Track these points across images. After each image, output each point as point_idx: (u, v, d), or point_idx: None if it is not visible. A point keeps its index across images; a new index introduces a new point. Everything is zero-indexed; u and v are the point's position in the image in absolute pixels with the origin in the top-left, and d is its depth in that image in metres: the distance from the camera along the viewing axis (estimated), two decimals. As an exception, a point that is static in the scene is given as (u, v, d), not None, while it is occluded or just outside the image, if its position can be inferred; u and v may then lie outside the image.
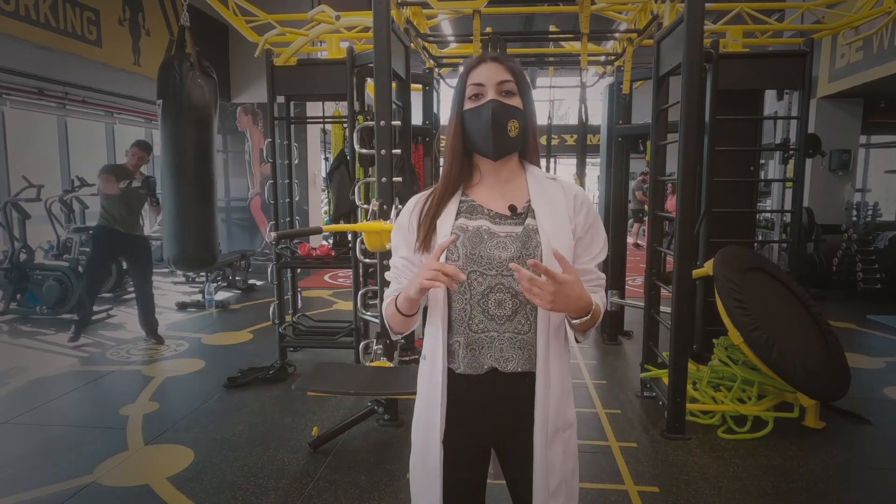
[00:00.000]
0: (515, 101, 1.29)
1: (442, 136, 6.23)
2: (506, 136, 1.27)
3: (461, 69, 1.36)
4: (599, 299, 1.31)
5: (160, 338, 5.14)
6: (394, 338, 1.43)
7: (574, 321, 1.25)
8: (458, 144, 1.33)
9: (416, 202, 1.37)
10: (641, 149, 4.92)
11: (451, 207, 1.32)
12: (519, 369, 1.29)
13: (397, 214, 3.11)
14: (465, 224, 1.30)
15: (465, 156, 1.34)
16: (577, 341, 1.36)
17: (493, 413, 1.33)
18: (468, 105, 1.30)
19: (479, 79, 1.29)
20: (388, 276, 1.42)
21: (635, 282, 7.63)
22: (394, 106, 3.45)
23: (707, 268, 3.52)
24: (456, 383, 1.32)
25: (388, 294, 1.40)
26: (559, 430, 1.31)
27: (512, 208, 1.30)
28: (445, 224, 1.30)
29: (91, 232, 5.46)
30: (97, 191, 5.06)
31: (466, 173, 1.35)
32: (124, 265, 6.31)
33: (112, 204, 4.91)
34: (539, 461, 1.29)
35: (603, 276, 1.36)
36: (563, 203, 1.30)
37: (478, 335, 1.29)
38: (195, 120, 3.64)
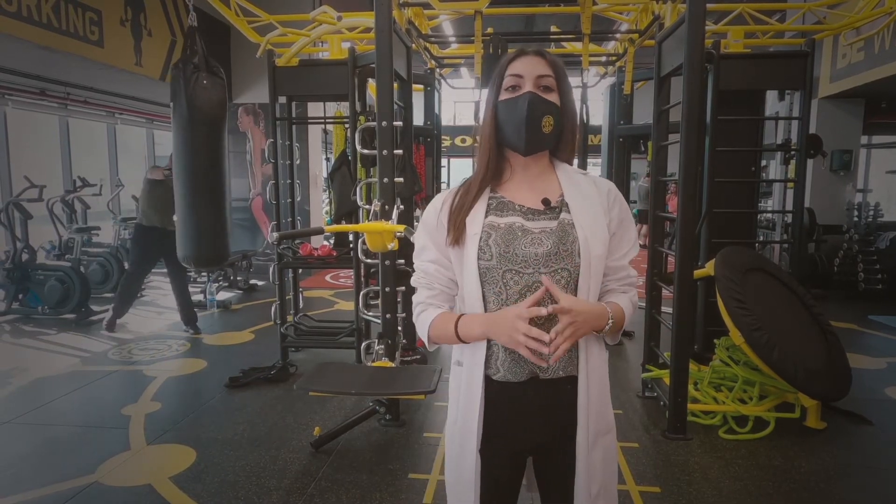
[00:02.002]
0: (553, 97, 1.24)
1: (444, 137, 6.23)
2: (539, 132, 1.22)
3: (500, 63, 1.30)
4: (628, 300, 1.29)
5: (197, 328, 5.40)
6: (431, 348, 1.38)
7: (600, 333, 1.24)
8: (492, 138, 1.27)
9: (443, 199, 1.32)
10: (642, 149, 4.93)
11: (480, 205, 1.26)
12: (561, 374, 1.25)
13: (399, 214, 3.13)
14: (495, 222, 1.24)
15: (497, 150, 1.29)
16: (607, 343, 1.33)
17: (532, 420, 1.28)
18: (504, 96, 1.25)
19: (518, 70, 1.24)
20: (415, 280, 1.35)
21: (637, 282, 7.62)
22: (395, 106, 3.46)
23: (708, 268, 3.53)
24: (493, 391, 1.27)
25: (423, 303, 1.33)
26: (600, 435, 1.28)
27: (546, 202, 1.25)
28: (475, 223, 1.24)
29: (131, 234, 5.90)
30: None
31: (497, 169, 1.30)
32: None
33: (143, 200, 5.30)
34: (581, 467, 1.26)
35: (635, 273, 1.33)
36: (596, 197, 1.26)
37: None
38: (204, 121, 3.66)
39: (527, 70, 1.23)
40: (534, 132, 1.22)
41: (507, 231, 1.22)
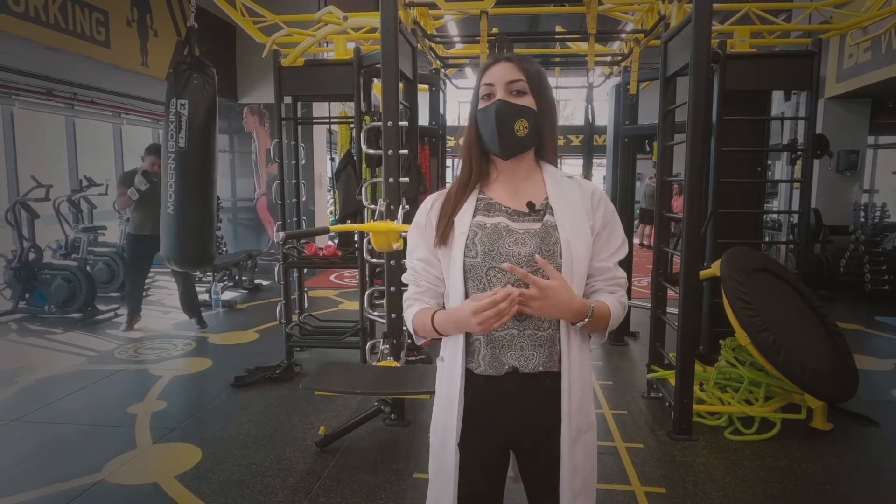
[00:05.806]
0: (526, 101, 1.28)
1: (449, 137, 6.25)
2: (513, 136, 1.27)
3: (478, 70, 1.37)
4: (616, 299, 1.31)
5: (204, 322, 5.49)
6: (419, 342, 1.43)
7: (574, 325, 1.25)
8: (474, 143, 1.33)
9: (433, 200, 1.37)
10: (648, 149, 4.91)
11: (469, 205, 1.31)
12: (540, 369, 1.28)
13: (404, 214, 3.13)
14: (482, 221, 1.29)
15: (482, 154, 1.34)
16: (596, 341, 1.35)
17: (513, 414, 1.31)
18: (481, 105, 1.31)
19: (490, 79, 1.30)
20: (405, 277, 1.41)
21: (641, 283, 7.62)
22: (401, 106, 3.46)
23: (714, 268, 3.51)
24: (475, 384, 1.31)
25: (410, 298, 1.39)
26: (582, 432, 1.30)
27: (530, 205, 1.29)
28: (463, 222, 1.29)
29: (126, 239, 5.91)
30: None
31: (484, 171, 1.35)
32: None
33: (133, 211, 5.31)
34: (565, 463, 1.29)
35: (623, 274, 1.35)
36: (580, 200, 1.30)
37: (498, 333, 1.27)
38: (194, 120, 3.65)
39: (497, 77, 1.29)
40: (508, 137, 1.27)
41: (493, 231, 1.27)
